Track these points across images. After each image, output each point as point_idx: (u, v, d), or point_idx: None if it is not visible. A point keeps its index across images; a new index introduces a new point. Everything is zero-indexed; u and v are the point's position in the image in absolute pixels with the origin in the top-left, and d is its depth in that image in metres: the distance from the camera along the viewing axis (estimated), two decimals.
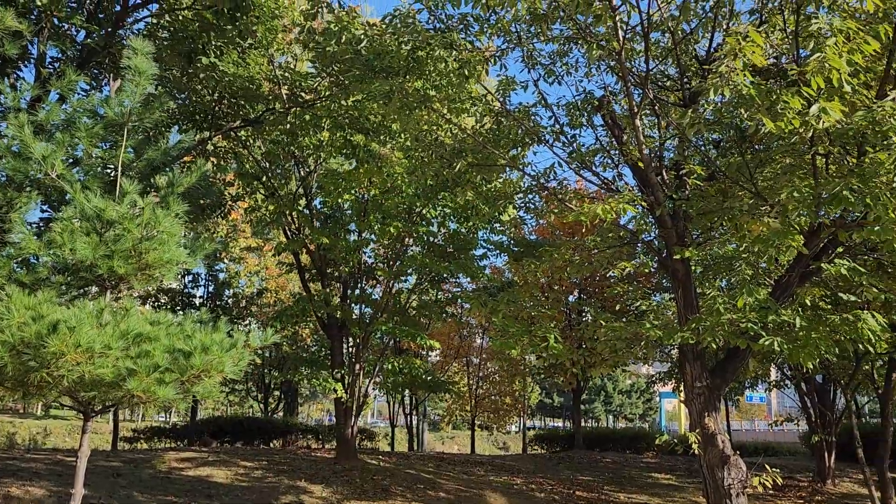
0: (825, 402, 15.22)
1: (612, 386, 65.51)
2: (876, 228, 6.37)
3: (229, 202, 14.73)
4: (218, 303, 21.41)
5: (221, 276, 22.34)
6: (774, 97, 6.56)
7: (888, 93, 8.13)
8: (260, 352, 17.15)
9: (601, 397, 66.05)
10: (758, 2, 8.63)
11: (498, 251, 14.75)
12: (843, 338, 7.91)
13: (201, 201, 13.14)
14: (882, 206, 6.23)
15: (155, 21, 10.57)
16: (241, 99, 12.31)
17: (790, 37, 7.48)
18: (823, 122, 6.33)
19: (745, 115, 6.91)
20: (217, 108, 12.57)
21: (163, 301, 19.73)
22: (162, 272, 6.29)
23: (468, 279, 16.40)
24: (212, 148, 13.62)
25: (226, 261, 23.03)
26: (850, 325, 7.39)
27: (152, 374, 5.39)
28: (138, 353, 5.43)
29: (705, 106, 7.33)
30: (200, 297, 21.53)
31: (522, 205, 11.75)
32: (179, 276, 20.23)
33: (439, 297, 16.30)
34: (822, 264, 8.20)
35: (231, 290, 22.50)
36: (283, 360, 22.92)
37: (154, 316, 6.10)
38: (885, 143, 6.36)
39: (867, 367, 12.81)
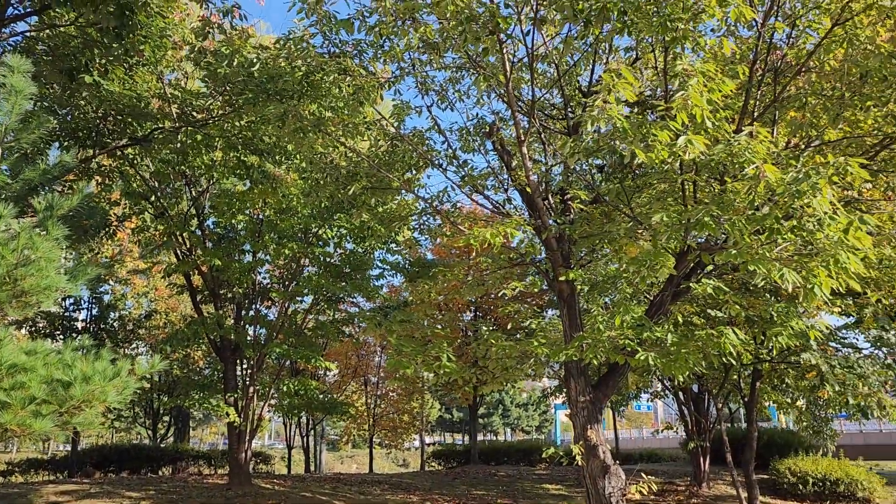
0: (700, 410, 16.24)
1: (509, 399, 66.78)
2: (733, 252, 6.97)
3: (115, 223, 14.19)
4: (102, 326, 20.45)
5: (106, 298, 21.36)
6: (645, 130, 7.08)
7: (745, 127, 8.94)
8: (149, 376, 16.52)
9: (499, 411, 67.17)
10: (634, 39, 9.25)
11: (394, 271, 14.93)
12: (709, 351, 8.56)
13: (84, 222, 12.62)
14: (738, 231, 6.83)
15: (33, 34, 10.15)
16: (129, 117, 11.95)
17: (660, 74, 8.09)
18: (689, 153, 6.88)
19: (620, 147, 7.41)
20: (102, 126, 12.14)
21: (41, 326, 18.66)
22: (39, 299, 6.07)
23: (365, 299, 16.46)
24: (96, 167, 13.12)
25: (111, 282, 22.04)
26: (714, 340, 8.00)
27: (28, 406, 5.20)
28: (12, 385, 5.23)
29: (585, 136, 7.81)
30: (83, 320, 20.50)
31: (417, 226, 11.99)
32: (60, 300, 19.20)
33: (336, 316, 16.27)
34: (692, 284, 8.86)
35: (117, 313, 21.54)
36: (174, 384, 22.12)
37: (30, 345, 5.88)
38: (741, 173, 6.98)
39: (735, 377, 13.79)
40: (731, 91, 7.32)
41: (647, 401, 19.76)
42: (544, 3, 8.14)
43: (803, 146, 9.18)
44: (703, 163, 7.59)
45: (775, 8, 8.48)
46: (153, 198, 14.08)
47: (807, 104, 9.26)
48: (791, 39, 9.22)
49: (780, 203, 6.67)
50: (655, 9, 7.04)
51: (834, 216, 6.56)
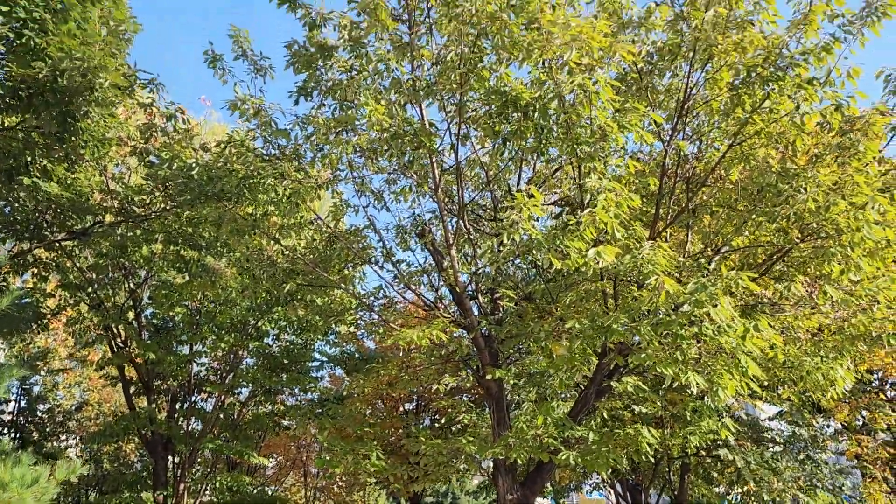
0: (637, 502, 16.42)
1: (458, 488, 65.37)
2: (643, 355, 7.40)
3: (49, 315, 14.05)
4: (30, 419, 19.75)
5: (36, 389, 20.72)
6: (559, 242, 7.58)
7: (657, 235, 9.59)
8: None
9: (448, 500, 65.59)
10: (561, 151, 9.89)
11: (333, 364, 15.01)
12: (630, 449, 8.88)
13: (15, 314, 12.50)
14: (646, 338, 7.28)
15: None
16: (69, 210, 12.09)
17: (575, 188, 8.71)
18: (601, 262, 7.39)
19: (538, 255, 7.89)
20: (41, 219, 12.23)
21: None
22: None
23: (303, 392, 16.41)
24: (32, 259, 13.10)
25: (42, 372, 21.43)
26: (631, 438, 8.34)
27: None
28: None
29: (507, 243, 8.29)
30: (10, 412, 19.79)
31: (353, 322, 12.22)
32: None
33: (273, 409, 16.14)
34: (613, 382, 9.25)
35: (47, 405, 20.86)
36: (104, 478, 21.28)
37: None
38: (646, 283, 7.49)
39: (665, 469, 14.09)
40: (638, 205, 7.93)
41: (588, 491, 19.85)
42: (467, 120, 8.76)
43: (712, 252, 9.84)
44: (614, 271, 8.11)
45: (680, 128, 9.27)
46: (90, 289, 14.04)
47: (715, 213, 9.98)
48: (700, 153, 10.02)
49: (683, 312, 7.17)
50: (566, 132, 7.67)
51: (731, 324, 7.07)
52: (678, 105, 8.97)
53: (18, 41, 8.36)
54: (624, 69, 8.65)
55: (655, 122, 8.01)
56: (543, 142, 7.92)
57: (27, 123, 8.72)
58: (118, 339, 14.38)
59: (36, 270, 13.62)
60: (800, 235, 8.19)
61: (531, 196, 7.08)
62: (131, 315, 14.66)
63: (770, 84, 7.93)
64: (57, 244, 13.11)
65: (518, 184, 10.94)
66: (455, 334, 10.11)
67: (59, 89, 8.45)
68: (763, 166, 8.79)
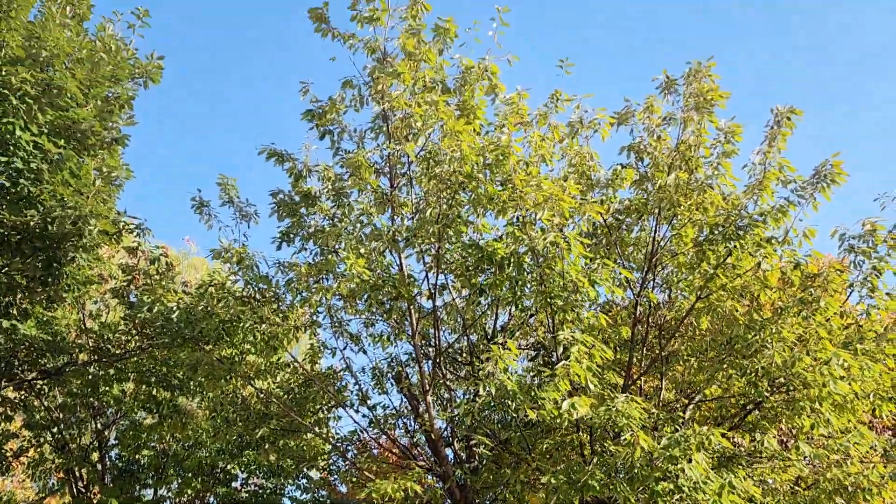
0: None
1: None
2: None
3: (10, 457, 13.55)
4: None
5: None
6: (534, 393, 7.67)
7: (632, 383, 9.71)
8: None
9: None
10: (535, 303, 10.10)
11: None
12: None
13: None
14: (622, 494, 7.23)
15: None
16: (43, 349, 12.00)
17: (550, 337, 8.90)
18: (576, 414, 7.44)
19: (513, 406, 7.94)
20: (13, 358, 12.10)
21: None
22: None
23: None
24: (0, 398, 12.82)
25: None
26: None
27: None
28: None
29: (481, 394, 8.35)
30: None
31: (326, 467, 11.94)
32: None
33: None
34: None
35: None
36: None
37: None
38: (621, 437, 7.53)
39: None
40: (611, 356, 8.11)
41: None
42: (444, 270, 9.06)
43: (686, 401, 9.94)
44: (591, 422, 8.14)
45: (650, 278, 9.64)
46: (55, 429, 13.65)
47: (687, 361, 10.17)
48: (670, 301, 10.34)
49: (658, 467, 7.17)
50: (540, 285, 7.96)
51: (707, 480, 7.07)
52: (647, 257, 9.39)
53: (13, 189, 8.67)
54: (594, 224, 9.09)
55: (626, 276, 8.34)
56: (518, 293, 8.18)
57: (12, 267, 8.87)
58: (80, 483, 13.82)
59: (2, 410, 13.28)
60: (769, 388, 8.36)
61: (507, 348, 7.24)
62: (96, 457, 14.17)
63: (732, 241, 8.37)
64: (27, 383, 12.89)
65: (494, 328, 11.12)
66: (429, 484, 9.90)
67: (49, 235, 8.68)
68: (730, 318, 9.09)
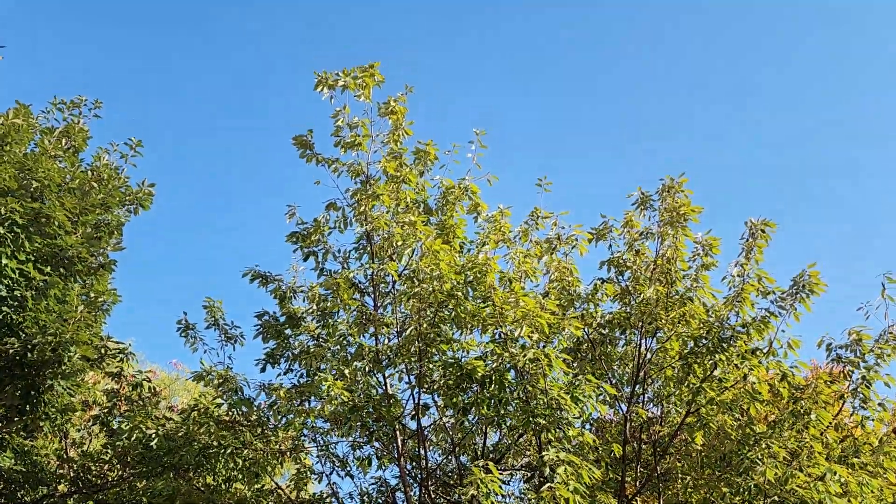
0: None
1: None
2: None
3: None
4: None
5: None
6: None
7: (628, 502, 9.33)
8: None
9: None
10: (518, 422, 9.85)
11: None
12: None
13: None
14: None
15: None
16: (20, 481, 11.63)
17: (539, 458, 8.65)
18: None
19: None
20: None
21: None
22: None
23: None
24: None
25: None
26: None
27: None
28: None
29: None
30: None
31: None
32: None
33: None
34: None
35: None
36: None
37: None
38: None
39: None
40: (599, 477, 7.84)
41: None
42: (428, 390, 8.93)
43: None
44: None
45: (639, 393, 9.48)
46: None
47: (683, 479, 9.82)
48: (663, 416, 10.11)
49: None
50: (524, 403, 7.81)
51: None
52: (634, 371, 9.27)
53: None
54: (577, 340, 9.04)
55: (609, 392, 8.21)
56: (501, 412, 8.02)
57: None
58: None
59: None
60: None
61: (488, 471, 7.02)
62: None
63: (716, 354, 8.30)
64: None
65: (485, 448, 10.82)
66: None
67: (28, 363, 8.62)
68: (722, 434, 8.87)
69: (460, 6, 37.67)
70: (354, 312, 9.56)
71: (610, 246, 9.22)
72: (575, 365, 8.81)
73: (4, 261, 8.66)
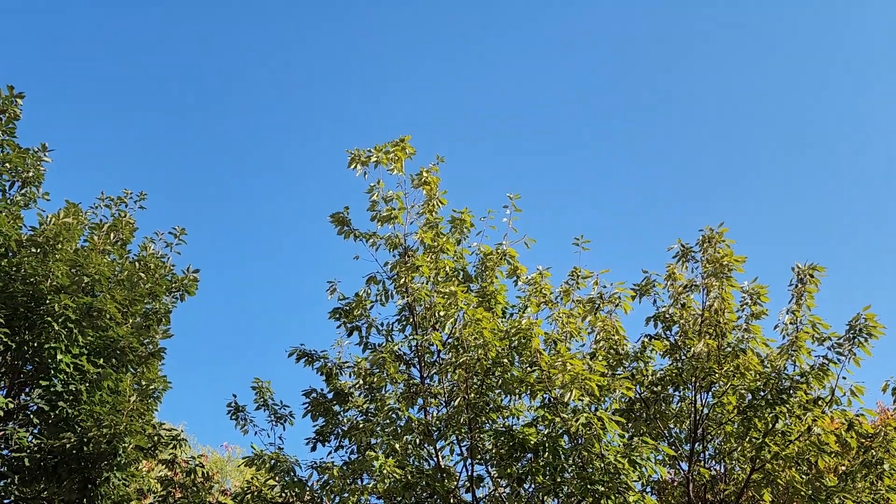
0: None
1: None
2: None
3: None
4: None
5: None
6: None
7: None
8: None
9: None
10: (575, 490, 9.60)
11: None
12: None
13: None
14: None
15: None
16: None
17: None
18: None
19: None
20: None
21: None
22: None
23: None
24: None
25: None
26: None
27: None
28: None
29: None
30: None
31: None
32: None
33: None
34: None
35: None
36: None
37: None
38: None
39: None
40: None
41: None
42: (480, 461, 8.76)
43: None
44: None
45: (699, 450, 9.15)
46: None
47: None
48: (727, 474, 9.72)
49: None
50: (580, 470, 7.61)
51: None
52: (691, 429, 8.98)
53: (52, 413, 8.87)
54: (629, 400, 8.83)
55: (667, 452, 7.95)
56: (557, 479, 7.81)
57: (49, 492, 8.85)
58: None
59: None
60: None
61: None
62: None
63: (776, 406, 8.01)
64: None
65: None
66: None
67: (84, 456, 8.73)
68: (791, 490, 8.49)
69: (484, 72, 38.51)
70: (401, 385, 9.53)
71: (654, 301, 9.08)
72: (629, 426, 8.57)
73: (59, 356, 8.88)
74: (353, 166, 9.65)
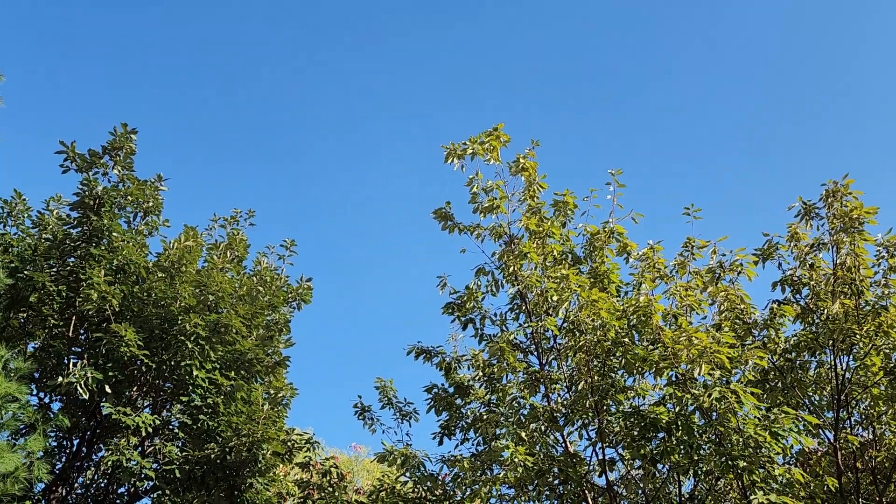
0: None
1: None
2: None
3: None
4: None
5: None
6: None
7: None
8: None
9: None
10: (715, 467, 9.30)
11: None
12: None
13: None
14: None
15: None
16: None
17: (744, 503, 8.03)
18: None
19: None
20: None
21: None
22: None
23: None
24: None
25: None
26: None
27: None
28: None
29: None
30: None
31: None
32: None
33: None
34: None
35: None
36: None
37: None
38: None
39: None
40: None
41: None
42: (611, 444, 8.60)
43: None
44: None
45: (844, 417, 8.63)
46: None
47: None
48: (876, 439, 9.13)
49: None
50: (717, 446, 7.33)
51: None
52: (833, 395, 8.48)
53: (194, 426, 9.38)
54: (762, 370, 8.43)
55: (809, 421, 7.53)
56: (695, 458, 7.55)
57: (199, 501, 9.38)
58: None
59: None
60: None
61: None
62: None
63: None
64: None
65: (681, 498, 10.21)
66: None
67: (227, 465, 9.19)
68: None
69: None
70: (521, 374, 9.48)
71: (780, 265, 8.62)
72: (765, 397, 8.18)
73: (195, 372, 9.39)
74: (449, 161, 9.67)
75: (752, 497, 7.03)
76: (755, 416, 7.26)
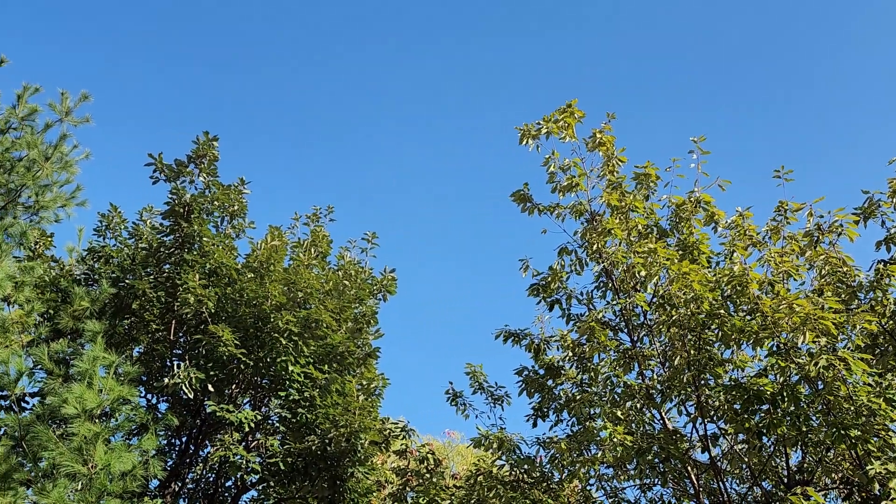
0: None
1: None
2: None
3: None
4: None
5: None
6: None
7: None
8: None
9: None
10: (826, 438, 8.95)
11: None
12: None
13: None
14: None
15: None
16: None
17: (860, 473, 7.68)
18: None
19: None
20: None
21: None
22: None
23: None
24: None
25: None
26: None
27: None
28: None
29: None
30: None
31: None
32: None
33: None
34: None
35: None
36: None
37: None
38: None
39: None
40: None
41: None
42: (712, 419, 8.36)
43: None
44: None
45: None
46: None
47: None
48: None
49: None
50: (826, 416, 7.02)
51: None
52: None
53: (294, 419, 9.66)
54: (871, 334, 8.01)
55: None
56: (804, 429, 7.26)
57: (303, 491, 9.67)
58: None
59: None
60: None
61: (808, 497, 6.33)
62: None
63: None
64: None
65: (789, 470, 9.85)
66: None
67: (328, 456, 9.43)
68: None
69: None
70: (612, 352, 9.33)
71: (883, 223, 8.15)
72: (875, 363, 7.76)
73: (290, 367, 9.66)
74: (524, 142, 9.57)
75: (868, 467, 6.71)
76: (866, 383, 6.91)
